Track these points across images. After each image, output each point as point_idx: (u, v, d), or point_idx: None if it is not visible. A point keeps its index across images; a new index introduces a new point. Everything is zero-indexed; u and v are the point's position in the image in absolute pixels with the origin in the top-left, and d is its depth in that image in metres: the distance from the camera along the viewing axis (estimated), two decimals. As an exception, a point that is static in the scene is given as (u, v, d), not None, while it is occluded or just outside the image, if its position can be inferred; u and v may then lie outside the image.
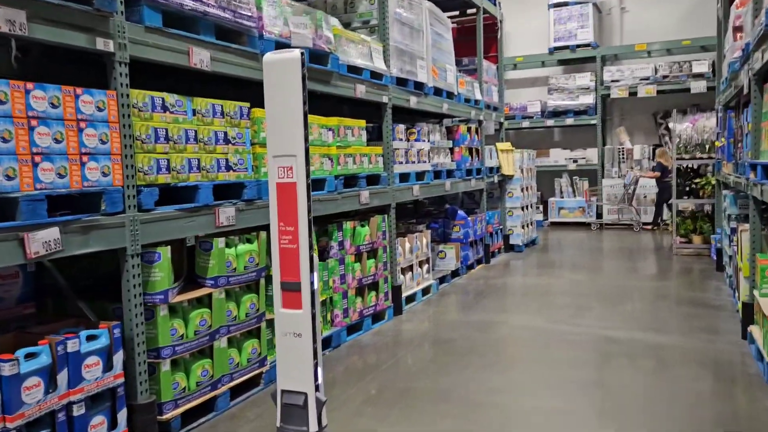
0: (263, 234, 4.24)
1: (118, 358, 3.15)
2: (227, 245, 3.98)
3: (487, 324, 5.82)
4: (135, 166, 3.30)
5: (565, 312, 6.18)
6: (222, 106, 3.94)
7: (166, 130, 3.51)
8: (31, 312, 3.44)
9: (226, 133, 3.95)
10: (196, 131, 3.72)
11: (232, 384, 3.96)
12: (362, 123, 5.66)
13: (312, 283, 3.02)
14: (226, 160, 3.96)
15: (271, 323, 4.42)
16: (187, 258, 3.97)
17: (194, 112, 3.74)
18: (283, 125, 3.00)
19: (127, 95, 3.24)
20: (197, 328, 3.71)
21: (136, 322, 3.28)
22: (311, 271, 3.02)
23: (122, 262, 3.24)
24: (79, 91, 2.99)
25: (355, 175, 5.54)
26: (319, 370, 3.12)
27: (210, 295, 3.83)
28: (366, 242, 5.67)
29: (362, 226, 5.72)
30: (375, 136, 6.43)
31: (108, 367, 3.10)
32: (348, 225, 5.41)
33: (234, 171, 4.02)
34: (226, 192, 4.03)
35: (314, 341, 3.04)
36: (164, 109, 3.51)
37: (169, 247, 3.51)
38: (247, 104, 4.17)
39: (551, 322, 5.81)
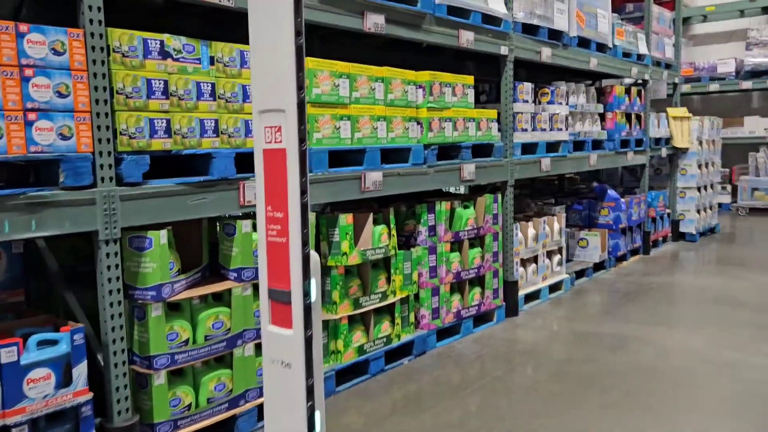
0: (311, 216, 3.39)
1: (81, 370, 2.49)
2: (255, 229, 3.18)
3: (627, 340, 4.51)
4: (114, 128, 2.60)
5: (744, 332, 4.64)
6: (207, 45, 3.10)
7: (165, 82, 2.75)
8: (18, 300, 2.92)
9: (212, 86, 3.12)
10: (213, 85, 2.93)
11: (259, 401, 3.20)
12: (468, 79, 4.56)
13: (307, 294, 2.11)
14: (215, 121, 3.14)
15: (323, 325, 3.59)
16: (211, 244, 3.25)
17: (213, 61, 2.95)
18: (269, 68, 2.09)
19: (101, 35, 2.52)
20: (209, 332, 2.98)
21: (112, 324, 2.60)
22: (306, 276, 2.10)
23: (95, 249, 2.57)
24: (23, 27, 2.31)
25: (456, 144, 4.48)
26: (318, 416, 2.21)
27: (230, 291, 3.07)
28: (469, 227, 4.61)
29: (465, 207, 4.66)
30: (493, 97, 5.28)
31: (64, 381, 2.45)
32: (443, 206, 4.39)
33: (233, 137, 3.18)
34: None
35: (309, 375, 2.14)
36: (163, 55, 2.75)
37: (165, 231, 2.78)
38: (294, 52, 3.30)
39: (721, 347, 4.35)
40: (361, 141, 3.72)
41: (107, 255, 2.56)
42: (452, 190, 6.26)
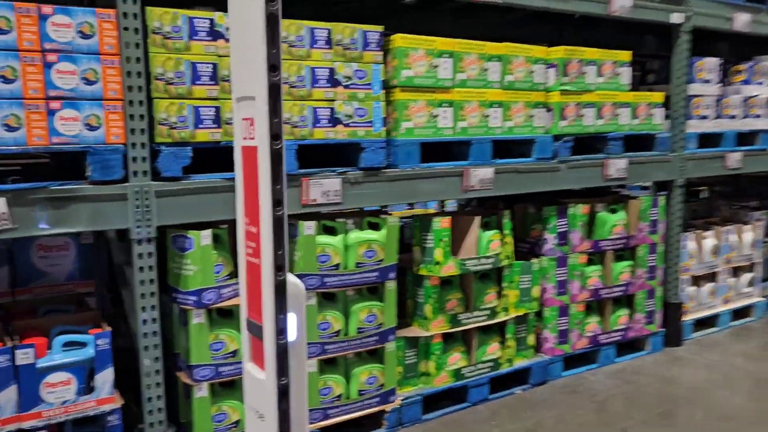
0: (390, 219, 2.93)
1: (106, 377, 2.33)
2: (325, 231, 2.82)
3: (821, 396, 3.41)
4: (152, 117, 2.37)
5: None
6: (328, 30, 2.71)
7: (214, 66, 2.47)
8: (87, 291, 2.87)
9: (331, 71, 2.73)
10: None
11: (326, 423, 2.85)
12: (621, 55, 3.72)
13: (282, 332, 1.68)
14: (331, 110, 2.75)
15: (411, 343, 3.14)
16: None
17: (276, 41, 2.60)
18: (243, 44, 1.68)
19: (136, 15, 2.29)
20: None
21: (145, 330, 2.40)
22: (280, 309, 1.67)
23: (131, 248, 2.38)
24: (47, 9, 2.15)
25: (600, 135, 3.69)
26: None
27: (289, 300, 2.74)
28: (615, 236, 3.80)
29: (612, 211, 3.85)
30: (664, 76, 4.32)
31: (87, 388, 2.31)
32: (578, 209, 3.64)
33: (346, 126, 2.78)
34: (330, 156, 2.85)
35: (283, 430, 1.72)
36: (214, 35, 2.47)
37: (208, 231, 2.52)
38: (379, 28, 2.85)
39: None
40: (466, 131, 3.16)
41: (140, 255, 2.36)
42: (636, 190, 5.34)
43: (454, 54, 3.08)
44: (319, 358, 2.83)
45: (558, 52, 3.43)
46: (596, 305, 3.88)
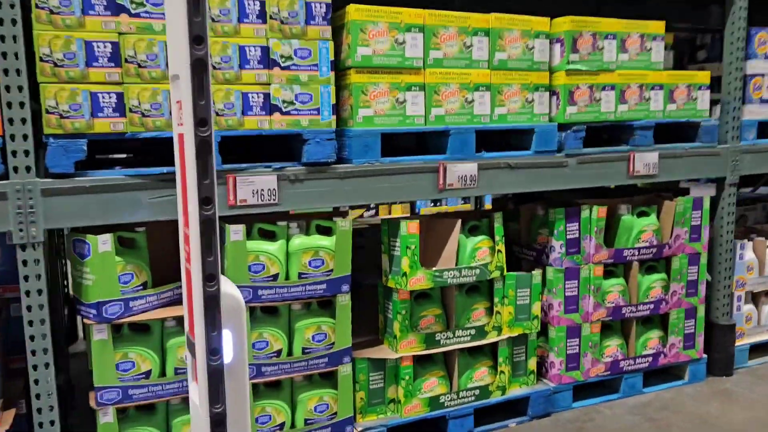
0: (341, 222, 2.51)
1: (-17, 399, 2.07)
2: (264, 236, 2.44)
3: None
4: (39, 105, 2.08)
5: None
6: (261, 2, 2.32)
7: (115, 45, 2.13)
8: (15, 297, 2.64)
9: (265, 49, 2.34)
10: (192, 46, 2.23)
11: (257, 456, 2.49)
12: (652, 26, 3.08)
13: (216, 353, 1.36)
14: (266, 95, 2.36)
15: (377, 365, 2.72)
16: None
17: (195, 15, 2.24)
18: (170, 16, 1.36)
19: (11, -13, 1.99)
20: (180, 364, 2.34)
21: (33, 347, 2.12)
22: (212, 326, 1.36)
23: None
24: None
25: (624, 123, 3.09)
26: None
27: (215, 315, 2.38)
28: (643, 243, 3.19)
29: (640, 214, 3.23)
30: (716, 53, 3.61)
31: (-39, 410, 2.05)
32: (593, 211, 3.06)
33: (285, 114, 2.39)
34: (273, 150, 2.47)
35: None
36: (114, 9, 2.13)
37: (108, 236, 2.20)
38: (325, -2, 2.42)
39: None
40: (443, 120, 2.68)
41: (24, 262, 2.07)
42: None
43: (425, 28, 2.60)
44: (255, 381, 2.46)
45: (564, 23, 2.87)
46: (619, 326, 3.29)
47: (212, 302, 1.42)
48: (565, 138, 2.93)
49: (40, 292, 2.10)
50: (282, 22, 2.35)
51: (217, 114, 2.30)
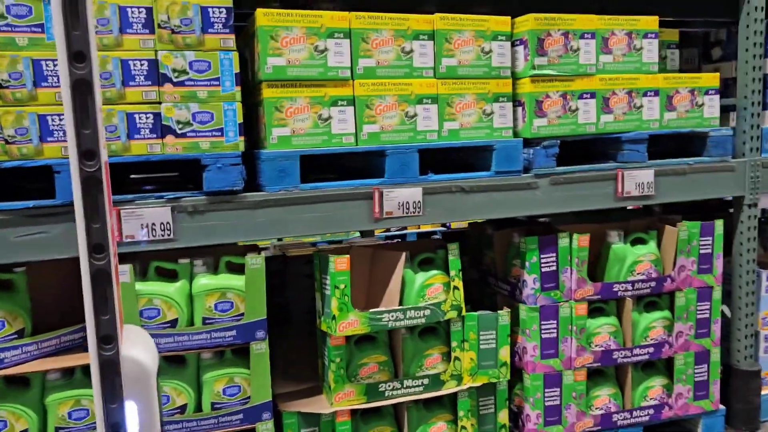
0: (252, 259, 2.17)
1: None
2: (163, 275, 2.13)
3: None
4: None
5: None
6: (147, 9, 2.02)
7: (-31, 63, 1.88)
8: None
9: (153, 63, 2.04)
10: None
11: None
12: (640, 22, 2.62)
13: (117, 427, 1.29)
14: (156, 116, 2.05)
15: (309, 420, 2.36)
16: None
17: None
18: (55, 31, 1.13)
19: None
20: (61, 423, 2.06)
21: None
22: (110, 395, 1.31)
23: None
24: None
25: (609, 136, 2.63)
26: None
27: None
28: (639, 276, 2.71)
29: (635, 242, 2.76)
30: (733, 50, 3.09)
31: None
32: (574, 240, 2.61)
33: (179, 136, 2.08)
34: (180, 177, 2.16)
35: None
36: (-31, 23, 1.88)
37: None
38: (226, 1, 2.10)
39: None
40: (378, 138, 2.31)
41: None
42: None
43: (352, 32, 2.24)
44: (153, 442, 2.15)
45: (527, 22, 2.45)
46: (612, 372, 2.81)
47: (110, 368, 1.23)
48: (534, 155, 2.50)
49: None
50: (173, 32, 2.05)
51: (9, 142, 2.00)
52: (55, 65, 1.95)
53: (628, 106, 2.63)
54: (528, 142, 2.52)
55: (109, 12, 1.99)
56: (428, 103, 2.36)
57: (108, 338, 1.23)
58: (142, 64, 2.03)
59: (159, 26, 2.04)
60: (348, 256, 2.29)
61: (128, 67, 2.02)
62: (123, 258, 2.13)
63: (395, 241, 5.13)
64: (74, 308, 2.17)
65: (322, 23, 2.20)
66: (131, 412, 1.27)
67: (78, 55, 1.15)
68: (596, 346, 2.70)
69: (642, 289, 2.73)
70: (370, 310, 2.34)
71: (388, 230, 7.27)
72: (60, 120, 1.96)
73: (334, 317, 2.30)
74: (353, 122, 2.27)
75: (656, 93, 2.67)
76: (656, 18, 2.65)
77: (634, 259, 2.72)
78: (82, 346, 2.18)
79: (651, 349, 2.75)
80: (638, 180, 2.66)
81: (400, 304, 2.44)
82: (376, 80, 2.29)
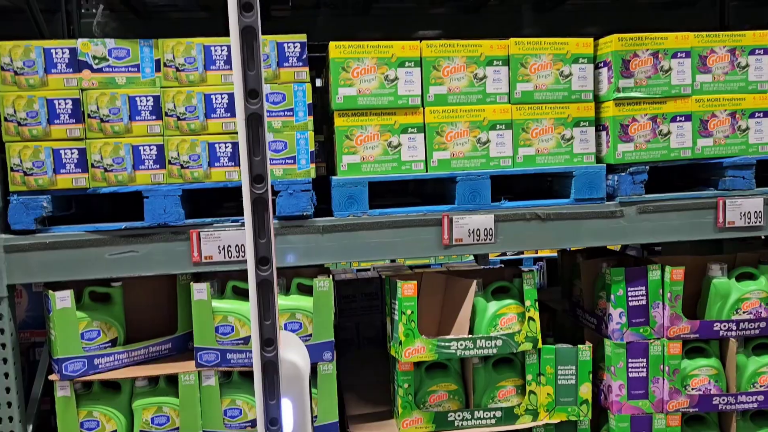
0: (319, 282, 2.24)
1: (-50, 448, 2.13)
2: (239, 295, 2.27)
3: None
4: (4, 164, 2.13)
5: None
6: (227, 47, 2.18)
7: (75, 101, 2.13)
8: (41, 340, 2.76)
9: (232, 96, 2.19)
10: (157, 98, 2.16)
11: None
12: (746, 37, 2.40)
13: (275, 424, 1.46)
14: (233, 145, 2.20)
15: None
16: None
17: (158, 66, 2.17)
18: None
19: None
20: (145, 427, 2.23)
21: (-3, 400, 2.15)
22: (270, 393, 1.51)
23: (-12, 307, 2.16)
24: None
25: (708, 161, 2.43)
26: None
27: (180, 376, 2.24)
28: (746, 315, 2.47)
29: (738, 277, 2.51)
30: None
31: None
32: (667, 273, 2.43)
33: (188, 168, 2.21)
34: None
35: None
36: (76, 66, 2.13)
37: (68, 291, 2.17)
38: (301, 37, 2.21)
39: None
40: (448, 165, 2.30)
41: (-16, 316, 2.13)
42: None
43: (423, 61, 2.27)
44: (226, 452, 2.27)
45: (610, 43, 2.33)
46: (715, 419, 2.56)
47: (270, 368, 1.41)
48: (619, 182, 2.36)
49: (3, 345, 2.13)
50: (179, 69, 2.18)
51: (182, 167, 2.19)
52: (147, 100, 2.16)
53: (731, 129, 2.41)
54: (612, 169, 2.39)
55: (195, 51, 2.17)
56: (502, 128, 2.32)
57: (269, 341, 1.40)
58: (222, 98, 2.19)
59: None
60: (415, 282, 2.30)
61: (210, 101, 2.18)
62: (202, 277, 2.29)
63: (500, 266, 5.02)
64: (163, 322, 2.38)
65: (393, 53, 2.25)
66: (287, 409, 1.43)
67: (252, 93, 1.35)
68: (693, 389, 2.48)
69: (748, 329, 2.47)
70: (438, 338, 2.32)
71: (503, 254, 7.14)
72: (150, 150, 2.16)
73: (400, 342, 2.31)
74: (423, 149, 2.29)
75: (766, 114, 2.43)
76: (766, 32, 2.41)
77: (739, 296, 2.47)
78: (168, 357, 2.36)
79: (760, 398, 2.47)
80: (743, 209, 2.42)
81: (470, 333, 2.40)
82: (447, 107, 2.29)
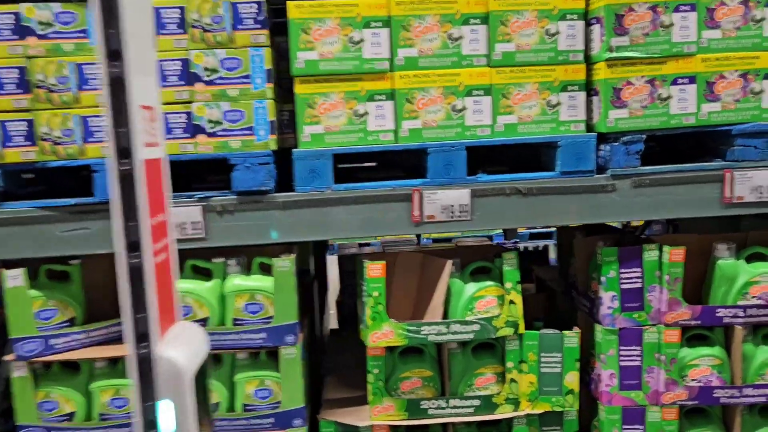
0: (279, 262, 2.10)
1: None
2: (198, 274, 2.16)
3: None
4: (-50, 136, 2.05)
5: None
6: (180, 9, 2.03)
7: (21, 70, 2.02)
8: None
9: (185, 63, 2.05)
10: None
11: None
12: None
13: (152, 425, 1.39)
14: (188, 115, 2.07)
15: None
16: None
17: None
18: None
19: None
20: (104, 409, 2.16)
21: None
22: (146, 394, 1.40)
23: (-59, 284, 2.10)
24: None
25: (708, 129, 2.17)
26: None
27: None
28: (753, 300, 2.23)
29: (749, 258, 2.26)
30: None
31: None
32: (664, 253, 2.20)
33: (211, 136, 2.07)
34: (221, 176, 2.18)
35: None
36: (21, 33, 2.02)
37: (19, 270, 2.09)
38: (256, -4, 2.04)
39: None
40: (419, 135, 2.12)
41: (-59, 294, 2.07)
42: None
43: (392, 20, 2.07)
44: (187, 436, 2.18)
45: (603, -5, 2.08)
46: (718, 412, 2.34)
47: (145, 366, 1.27)
48: (611, 153, 2.14)
49: (-44, 325, 2.08)
50: (204, 30, 2.04)
51: (56, 143, 2.06)
52: (97, 68, 2.03)
53: (741, 92, 2.15)
54: (605, 138, 2.16)
55: (144, 14, 2.02)
56: (479, 94, 2.11)
57: (144, 336, 1.26)
58: (174, 65, 2.05)
59: (191, 26, 2.04)
60: (383, 262, 2.14)
61: (162, 68, 2.04)
62: (159, 255, 2.18)
63: (512, 242, 4.80)
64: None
65: (358, 12, 2.06)
66: (167, 410, 1.29)
67: (113, 54, 1.17)
68: (693, 380, 2.26)
69: (757, 316, 2.23)
70: (408, 322, 2.17)
71: (533, 228, 6.87)
72: (100, 121, 2.05)
73: (368, 326, 2.16)
74: (392, 118, 2.11)
75: (803, 70, 2.15)
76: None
77: (747, 279, 2.23)
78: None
79: (767, 390, 2.25)
80: (755, 182, 2.16)
81: (445, 316, 2.24)
82: (419, 71, 2.10)
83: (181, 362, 1.20)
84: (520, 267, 2.23)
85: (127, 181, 1.14)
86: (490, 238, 5.79)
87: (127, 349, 1.22)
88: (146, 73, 1.24)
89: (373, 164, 2.77)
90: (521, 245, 4.46)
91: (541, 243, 6.31)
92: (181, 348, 1.23)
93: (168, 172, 1.37)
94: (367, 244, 4.27)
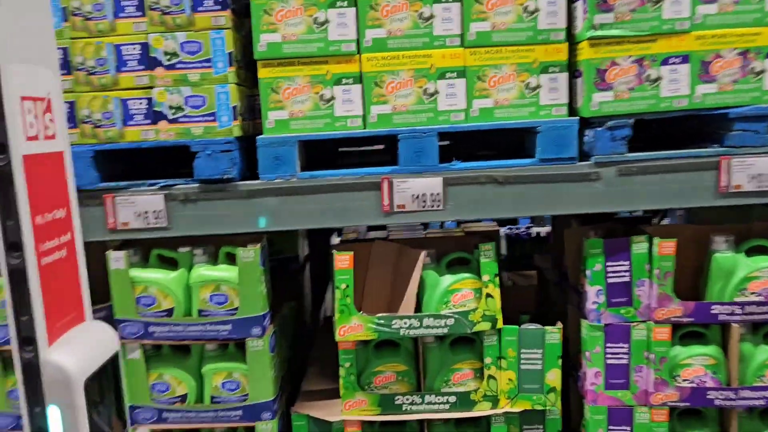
0: (243, 252, 2.04)
1: None
2: (164, 263, 2.11)
3: None
4: None
5: None
6: (133, -9, 1.96)
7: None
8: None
9: (145, 46, 1.98)
10: (64, 50, 1.99)
11: None
12: (763, -43, 1.93)
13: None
14: (149, 101, 2.01)
15: (320, 426, 2.22)
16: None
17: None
18: None
19: None
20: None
21: None
22: (34, 399, 1.35)
23: None
24: None
25: (702, 112, 2.00)
26: None
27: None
28: (752, 297, 2.07)
29: (749, 251, 2.10)
30: None
31: None
32: (654, 244, 2.06)
33: (172, 122, 2.01)
34: (181, 165, 2.12)
35: None
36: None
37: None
38: (216, -23, 1.96)
39: None
40: (389, 120, 2.01)
41: None
42: None
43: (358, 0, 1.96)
44: (155, 426, 2.16)
45: (585, -31, 1.93)
46: (714, 414, 2.20)
47: (30, 371, 1.23)
48: (595, 139, 1.99)
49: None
50: (164, 13, 1.96)
51: (96, 126, 2.02)
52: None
53: (740, 72, 1.97)
54: (589, 123, 2.02)
55: (102, -4, 1.96)
56: (453, 77, 1.99)
57: (28, 340, 1.21)
58: (134, 49, 1.99)
59: (150, 8, 1.97)
60: (351, 253, 2.05)
61: (121, 53, 1.98)
62: (125, 245, 2.14)
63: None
64: (101, 289, 2.25)
65: (327, -7, 1.95)
66: (55, 417, 1.24)
67: None
68: (685, 381, 2.12)
69: (755, 313, 2.07)
70: (378, 315, 2.08)
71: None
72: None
73: (336, 320, 2.09)
74: (360, 103, 2.01)
75: (786, 52, 1.97)
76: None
77: (747, 274, 2.07)
78: (101, 326, 2.25)
79: (766, 393, 2.09)
80: (755, 170, 1.99)
81: (419, 309, 2.14)
82: (388, 53, 1.98)
83: (69, 367, 1.14)
84: (498, 258, 2.12)
85: (3, 177, 1.07)
86: (515, 221, 5.56)
87: (14, 353, 1.17)
88: (35, 62, 1.16)
89: (351, 150, 2.67)
90: (534, 230, 4.29)
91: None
92: (73, 352, 1.17)
93: (71, 164, 1.30)
94: (379, 228, 4.14)
